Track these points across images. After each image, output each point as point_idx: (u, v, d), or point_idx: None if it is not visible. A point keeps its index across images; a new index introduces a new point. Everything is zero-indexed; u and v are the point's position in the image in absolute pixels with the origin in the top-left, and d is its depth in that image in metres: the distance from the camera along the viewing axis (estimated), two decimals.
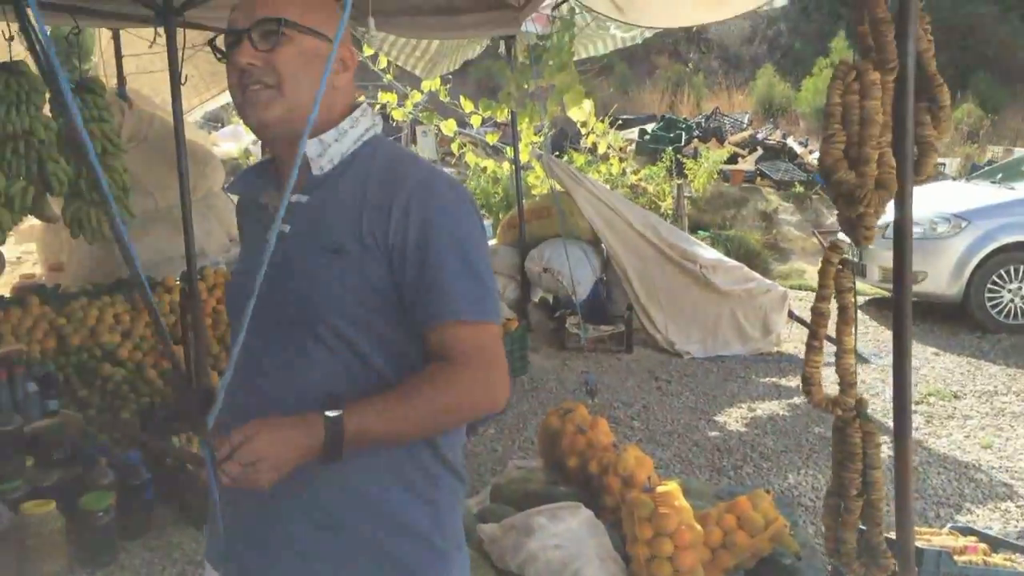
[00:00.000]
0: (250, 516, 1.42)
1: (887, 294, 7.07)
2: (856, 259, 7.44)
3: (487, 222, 9.49)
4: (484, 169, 10.40)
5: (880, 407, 4.80)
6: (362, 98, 8.44)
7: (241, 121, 1.52)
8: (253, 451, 1.23)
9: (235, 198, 1.64)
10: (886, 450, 3.07)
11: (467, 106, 9.01)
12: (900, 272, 2.22)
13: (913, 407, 5.08)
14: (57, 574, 3.24)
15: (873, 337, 6.81)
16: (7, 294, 5.71)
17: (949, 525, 3.48)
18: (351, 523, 1.38)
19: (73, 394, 4.39)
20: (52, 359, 4.42)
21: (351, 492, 1.37)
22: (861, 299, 7.90)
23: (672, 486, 2.97)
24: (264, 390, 1.41)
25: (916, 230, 7.26)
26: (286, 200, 1.29)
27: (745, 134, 13.58)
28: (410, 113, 9.91)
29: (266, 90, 1.38)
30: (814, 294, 2.13)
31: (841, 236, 2.55)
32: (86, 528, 3.31)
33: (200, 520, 3.60)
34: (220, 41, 1.44)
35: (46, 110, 4.80)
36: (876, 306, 7.74)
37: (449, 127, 9.47)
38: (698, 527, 2.87)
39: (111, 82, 6.78)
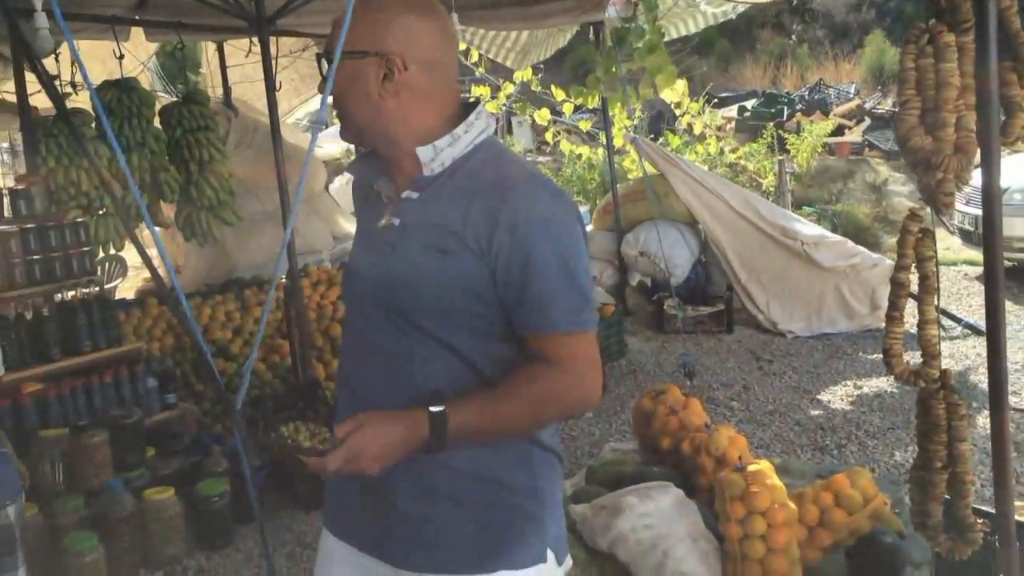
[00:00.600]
0: (361, 489, 1.53)
1: (1009, 264, 6.72)
2: (972, 227, 7.09)
3: (584, 208, 9.49)
4: (579, 156, 10.40)
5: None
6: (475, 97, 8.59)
7: None
8: (357, 444, 1.33)
9: (337, 198, 1.75)
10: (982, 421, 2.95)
11: (559, 94, 9.02)
12: (990, 238, 2.13)
13: (1020, 378, 4.86)
14: (176, 555, 3.47)
15: None
16: (131, 297, 6.10)
17: None
18: (452, 493, 1.46)
19: (190, 388, 4.66)
20: (170, 356, 4.70)
21: (452, 467, 1.45)
22: (978, 270, 7.53)
23: (765, 464, 2.94)
24: (371, 377, 1.51)
25: (1018, 197, 6.92)
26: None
27: (852, 104, 13.10)
28: (504, 105, 9.99)
29: (339, 112, 1.52)
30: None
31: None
32: (203, 513, 3.53)
33: (309, 504, 3.78)
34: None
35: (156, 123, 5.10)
36: None
37: (543, 116, 9.50)
38: (792, 505, 2.83)
39: (218, 92, 7.11)
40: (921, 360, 1.91)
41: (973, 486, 1.91)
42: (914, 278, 2.05)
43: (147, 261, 3.09)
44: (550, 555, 1.50)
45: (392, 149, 1.50)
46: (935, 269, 1.90)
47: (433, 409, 1.36)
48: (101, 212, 4.71)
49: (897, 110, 2.04)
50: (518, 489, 1.48)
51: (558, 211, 1.43)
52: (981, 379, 4.99)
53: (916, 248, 1.92)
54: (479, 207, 1.41)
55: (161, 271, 4.21)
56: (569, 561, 1.58)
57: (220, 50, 6.83)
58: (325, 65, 1.51)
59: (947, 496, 1.91)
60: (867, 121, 12.36)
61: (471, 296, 1.41)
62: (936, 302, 1.89)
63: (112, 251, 5.48)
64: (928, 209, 1.96)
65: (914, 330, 2.12)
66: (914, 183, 10.59)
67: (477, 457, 1.45)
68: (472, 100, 1.56)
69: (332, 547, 1.61)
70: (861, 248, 6.63)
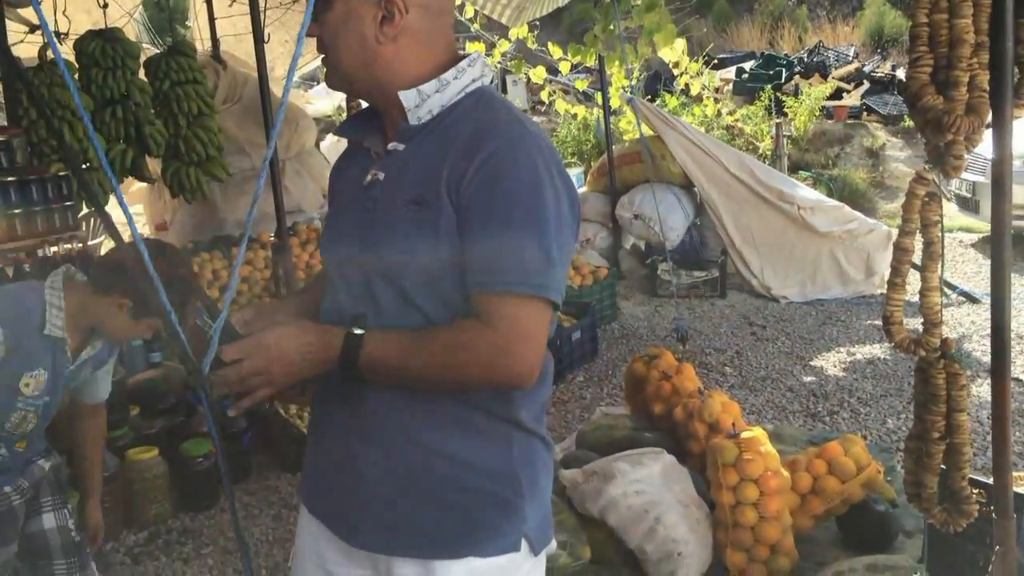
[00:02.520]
0: (333, 466, 1.48)
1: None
2: (968, 194, 7.02)
3: (578, 170, 9.38)
4: (575, 116, 10.26)
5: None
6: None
7: None
8: (260, 340, 1.31)
9: (328, 156, 1.67)
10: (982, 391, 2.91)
11: (555, 52, 8.86)
12: (999, 205, 2.06)
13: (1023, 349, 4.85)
14: (161, 516, 3.44)
15: (986, 277, 6.44)
16: None
17: None
18: (423, 472, 1.39)
19: (175, 347, 4.60)
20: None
21: (424, 445, 1.39)
22: (974, 237, 7.48)
23: (758, 431, 2.90)
24: None
25: None
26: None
27: (851, 67, 12.92)
28: (499, 62, 9.83)
29: (326, 59, 1.43)
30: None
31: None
32: (187, 473, 3.49)
33: (295, 467, 3.74)
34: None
35: (141, 74, 4.97)
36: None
37: (539, 75, 9.35)
38: (785, 473, 2.80)
39: (206, 45, 6.95)
40: (922, 328, 1.85)
41: (969, 457, 1.86)
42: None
43: (108, 224, 2.96)
44: (524, 544, 1.42)
45: (383, 98, 1.42)
46: (940, 235, 1.83)
47: (351, 331, 1.31)
48: (85, 166, 4.60)
49: (907, 67, 1.96)
50: (493, 474, 1.40)
51: (537, 164, 1.32)
52: (975, 347, 4.96)
53: (922, 212, 1.85)
54: (456, 153, 1.32)
55: (126, 233, 4.10)
56: (553, 544, 1.51)
57: (208, 1, 6.66)
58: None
59: (942, 467, 1.86)
60: (866, 85, 12.21)
61: (441, 250, 1.31)
62: (940, 269, 1.82)
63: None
64: (935, 172, 1.89)
65: (911, 297, 2.07)
66: (911, 148, 10.54)
67: (452, 437, 1.39)
68: (465, 54, 1.46)
69: (306, 523, 1.57)
70: (857, 213, 6.58)
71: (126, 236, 3.47)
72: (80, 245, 4.03)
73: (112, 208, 5.84)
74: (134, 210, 9.14)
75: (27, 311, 2.11)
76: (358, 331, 1.31)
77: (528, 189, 1.30)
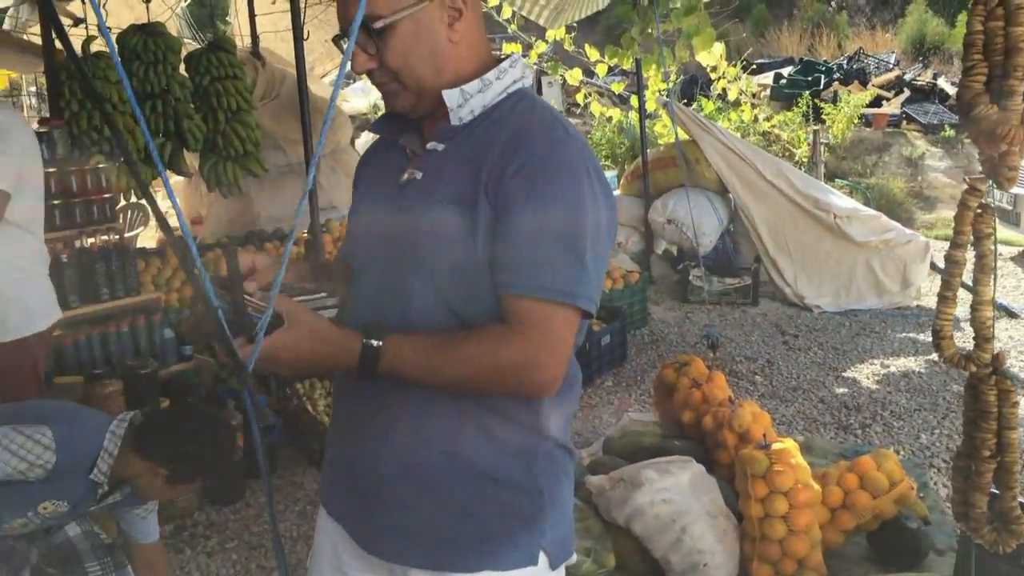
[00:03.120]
0: (351, 466, 1.46)
1: None
2: (1009, 206, 6.89)
3: (612, 172, 9.34)
4: (610, 119, 10.21)
5: None
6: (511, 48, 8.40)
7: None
8: (277, 346, 1.25)
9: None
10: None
11: (592, 54, 8.82)
12: None
13: None
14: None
15: None
16: (153, 246, 6.06)
17: None
18: (442, 482, 1.37)
19: (208, 340, 4.63)
20: (188, 307, 4.65)
21: (445, 454, 1.36)
22: (1014, 251, 7.34)
23: (789, 443, 2.85)
24: None
25: None
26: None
27: (891, 75, 12.76)
28: (535, 64, 9.80)
29: (391, 85, 1.39)
30: None
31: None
32: None
33: (321, 462, 3.74)
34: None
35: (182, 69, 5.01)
36: None
37: (574, 77, 9.31)
38: (816, 486, 2.75)
39: (246, 42, 7.00)
40: (972, 343, 1.80)
41: (1019, 477, 1.81)
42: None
43: (158, 214, 2.98)
44: (542, 558, 1.39)
45: (432, 97, 1.38)
46: (993, 248, 1.78)
47: (368, 342, 1.27)
48: (122, 160, 4.65)
49: (961, 76, 1.91)
50: (514, 487, 1.37)
51: (577, 168, 1.30)
52: (1012, 363, 4.86)
53: (974, 224, 1.80)
54: (496, 153, 1.30)
55: (175, 224, 4.13)
56: (573, 558, 1.48)
57: None
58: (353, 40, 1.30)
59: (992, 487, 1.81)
60: (906, 93, 12.05)
61: (476, 251, 1.29)
62: (993, 284, 1.77)
63: (134, 199, 5.43)
64: (989, 183, 1.84)
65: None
66: (951, 159, 10.37)
67: (474, 445, 1.36)
68: (504, 56, 1.44)
69: (324, 524, 1.55)
70: (895, 223, 6.47)
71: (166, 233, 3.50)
72: (117, 237, 4.07)
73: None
74: (169, 204, 9.25)
75: (85, 451, 2.11)
76: (373, 342, 1.27)
77: (567, 193, 1.28)
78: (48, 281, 2.92)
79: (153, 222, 7.67)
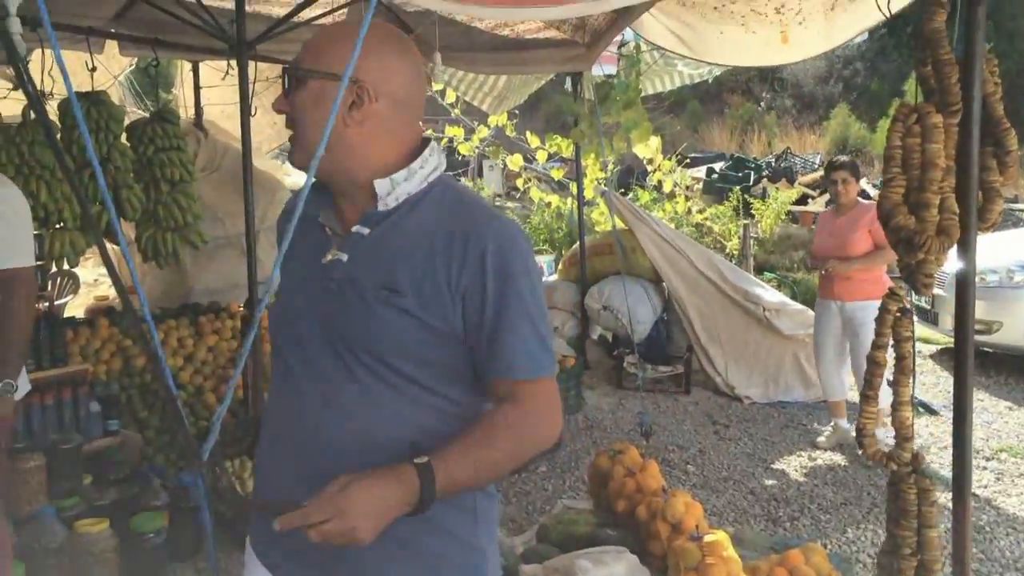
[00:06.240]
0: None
1: None
2: (928, 307, 7.19)
3: (549, 257, 9.49)
4: (548, 204, 10.43)
5: (949, 461, 4.60)
6: (430, 131, 8.56)
7: None
8: (344, 499, 1.22)
9: None
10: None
11: (533, 141, 9.07)
12: (962, 322, 2.13)
13: (983, 463, 4.92)
14: None
15: (943, 388, 6.56)
16: (82, 315, 5.91)
17: None
18: (408, 540, 1.39)
19: (134, 415, 4.50)
20: (117, 380, 4.53)
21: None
22: (932, 348, 7.64)
23: (721, 535, 2.89)
24: (313, 424, 1.42)
25: (992, 278, 7.03)
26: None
27: (816, 175, 13.35)
28: (477, 147, 10.02)
29: (291, 135, 1.46)
30: None
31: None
32: (137, 548, 3.36)
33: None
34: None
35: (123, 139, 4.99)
36: (950, 356, 7.46)
37: (515, 162, 9.53)
38: None
39: (190, 112, 7.01)
40: (894, 441, 1.88)
41: (941, 574, 1.87)
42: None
43: (115, 278, 2.94)
44: None
45: (344, 179, 1.46)
46: (912, 351, 1.88)
47: (418, 461, 1.28)
48: (59, 226, 4.57)
49: (881, 187, 2.04)
50: (465, 538, 1.45)
51: (530, 259, 1.44)
52: (932, 459, 5.01)
53: (894, 328, 1.90)
54: (444, 246, 1.38)
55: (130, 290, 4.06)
56: None
57: (195, 70, 6.76)
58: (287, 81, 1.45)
59: None
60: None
61: (429, 334, 1.38)
62: (912, 385, 1.87)
63: (66, 266, 5.32)
64: (907, 289, 1.95)
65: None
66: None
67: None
68: (424, 137, 1.52)
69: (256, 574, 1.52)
70: None
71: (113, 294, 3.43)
72: (46, 304, 3.97)
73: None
74: (102, 272, 9.05)
75: None
76: (421, 460, 1.29)
77: (528, 282, 1.42)
78: None
79: (83, 291, 7.50)
